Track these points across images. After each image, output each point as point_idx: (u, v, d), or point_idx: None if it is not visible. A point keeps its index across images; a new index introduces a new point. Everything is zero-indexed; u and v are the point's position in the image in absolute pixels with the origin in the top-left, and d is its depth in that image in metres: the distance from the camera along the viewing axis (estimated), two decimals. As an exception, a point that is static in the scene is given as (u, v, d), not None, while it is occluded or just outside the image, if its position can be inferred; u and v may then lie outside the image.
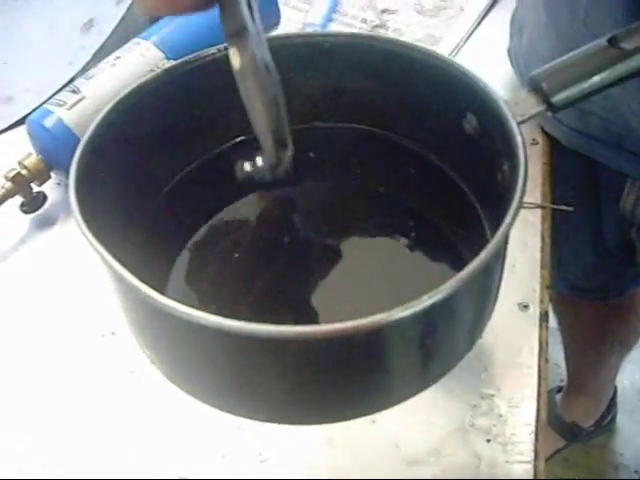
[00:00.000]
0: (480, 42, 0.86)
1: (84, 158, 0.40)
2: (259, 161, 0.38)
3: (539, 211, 0.70)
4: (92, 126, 0.41)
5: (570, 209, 0.73)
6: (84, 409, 0.60)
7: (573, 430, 1.42)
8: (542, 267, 0.66)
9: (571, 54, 0.38)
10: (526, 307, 0.63)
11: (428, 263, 0.45)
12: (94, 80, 0.71)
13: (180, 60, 0.43)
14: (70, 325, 0.66)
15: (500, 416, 0.58)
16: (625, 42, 0.36)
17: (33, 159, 0.70)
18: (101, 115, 0.41)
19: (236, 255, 0.44)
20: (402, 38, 0.84)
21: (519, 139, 0.38)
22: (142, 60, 0.72)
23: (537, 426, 0.57)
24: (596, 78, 0.37)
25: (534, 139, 0.76)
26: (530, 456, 0.56)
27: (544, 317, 0.63)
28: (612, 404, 1.47)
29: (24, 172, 0.70)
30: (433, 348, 0.36)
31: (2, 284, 0.69)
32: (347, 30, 0.86)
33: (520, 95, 0.38)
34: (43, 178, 0.72)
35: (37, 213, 0.73)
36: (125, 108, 0.42)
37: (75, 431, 0.59)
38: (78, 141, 0.67)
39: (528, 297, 0.64)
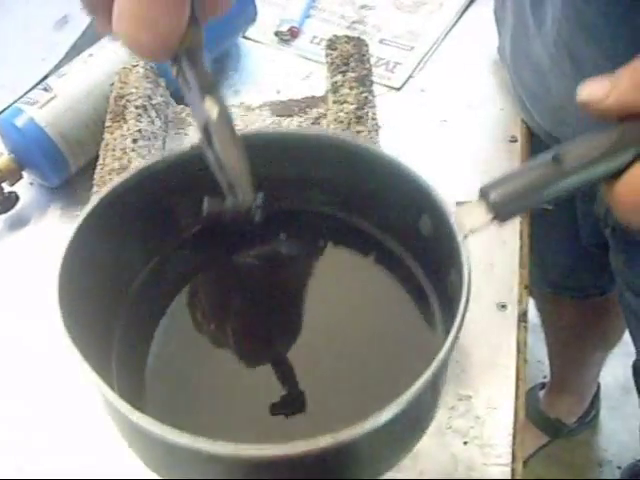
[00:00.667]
0: (460, 38, 0.85)
1: (68, 258, 0.42)
2: (228, 202, 0.40)
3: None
4: (75, 227, 0.43)
5: (549, 207, 0.72)
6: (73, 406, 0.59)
7: (556, 427, 1.42)
8: (521, 266, 0.66)
9: (519, 168, 0.41)
10: (504, 307, 0.62)
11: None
12: (66, 78, 0.70)
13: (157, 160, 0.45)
14: (42, 324, 0.65)
15: (478, 418, 0.57)
16: (568, 159, 0.38)
17: (4, 159, 0.69)
18: (85, 212, 0.43)
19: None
20: (381, 34, 0.84)
21: (464, 257, 0.40)
22: (115, 58, 0.71)
23: (515, 428, 0.57)
24: (540, 194, 0.40)
25: (513, 136, 0.75)
26: (508, 458, 0.55)
27: (522, 317, 0.62)
28: (595, 400, 1.47)
29: (-5, 171, 0.69)
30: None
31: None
32: (325, 26, 0.85)
33: (471, 205, 0.40)
34: (15, 178, 0.70)
35: (9, 213, 0.72)
36: (105, 205, 0.44)
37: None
38: (49, 140, 0.68)
39: (506, 297, 0.63)
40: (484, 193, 0.40)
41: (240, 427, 0.42)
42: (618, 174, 0.38)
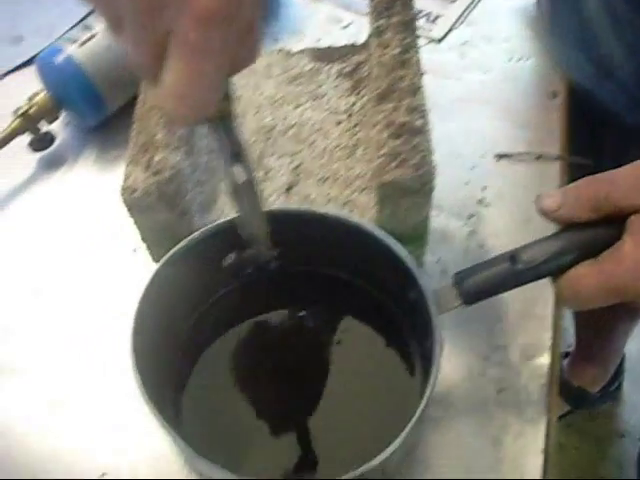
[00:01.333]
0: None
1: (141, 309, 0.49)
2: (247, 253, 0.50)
3: (558, 163, 0.68)
4: (146, 284, 0.50)
5: (588, 162, 0.72)
6: (108, 330, 0.60)
7: (579, 396, 1.42)
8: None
9: (484, 263, 0.49)
10: (542, 259, 0.61)
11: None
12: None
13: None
14: (77, 261, 0.65)
15: (512, 367, 0.57)
16: (523, 258, 0.47)
17: (42, 96, 0.69)
18: (156, 269, 0.51)
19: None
20: None
21: (437, 337, 0.46)
22: None
23: (550, 378, 0.56)
24: (500, 287, 0.49)
25: (554, 91, 0.74)
26: (542, 408, 0.55)
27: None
28: (619, 371, 1.46)
29: (33, 109, 0.69)
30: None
31: (10, 222, 0.68)
32: None
33: (446, 288, 0.48)
34: (52, 117, 0.70)
35: (45, 152, 0.72)
36: (170, 265, 0.51)
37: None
38: (87, 79, 0.67)
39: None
40: (456, 279, 0.48)
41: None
42: (562, 272, 0.47)
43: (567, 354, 1.51)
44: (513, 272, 0.48)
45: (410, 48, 0.60)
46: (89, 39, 0.68)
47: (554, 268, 0.48)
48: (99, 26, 0.69)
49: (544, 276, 0.48)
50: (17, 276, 0.65)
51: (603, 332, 1.35)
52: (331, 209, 0.56)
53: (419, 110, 0.55)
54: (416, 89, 0.57)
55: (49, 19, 0.82)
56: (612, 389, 1.46)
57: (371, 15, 0.63)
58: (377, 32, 0.61)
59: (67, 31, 0.73)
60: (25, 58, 0.79)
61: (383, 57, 0.59)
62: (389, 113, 0.55)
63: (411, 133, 0.54)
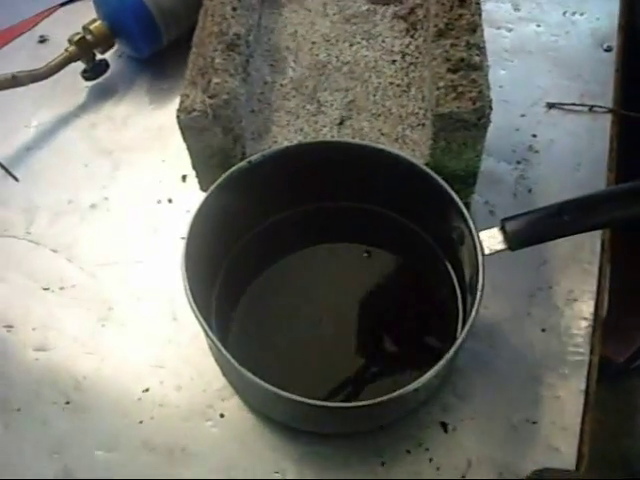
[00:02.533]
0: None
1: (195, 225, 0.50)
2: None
3: (609, 115, 0.68)
4: (200, 203, 0.51)
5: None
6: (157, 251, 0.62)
7: (602, 364, 1.41)
8: (609, 170, 0.65)
9: (530, 212, 0.50)
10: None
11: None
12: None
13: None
14: (126, 191, 0.66)
15: (557, 308, 0.57)
16: (570, 210, 0.48)
17: (98, 24, 0.70)
18: (208, 194, 0.52)
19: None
20: None
21: (481, 273, 0.47)
22: None
23: (595, 320, 0.57)
24: (545, 237, 0.50)
25: (609, 45, 0.73)
26: (586, 349, 0.55)
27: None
28: (647, 346, 1.46)
29: (88, 37, 0.69)
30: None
31: (61, 148, 0.69)
32: None
33: (493, 231, 0.49)
34: (107, 45, 0.71)
35: (97, 82, 0.73)
36: (222, 186, 0.53)
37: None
38: (145, 8, 0.68)
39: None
40: (504, 225, 0.49)
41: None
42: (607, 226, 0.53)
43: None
44: (559, 223, 0.49)
45: (469, -13, 0.60)
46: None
47: (599, 223, 0.51)
48: (157, -43, 0.69)
49: (589, 230, 0.50)
50: (68, 198, 0.66)
51: (633, 303, 1.34)
52: (383, 144, 0.57)
53: (478, 47, 0.56)
54: (475, 27, 0.57)
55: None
56: (637, 364, 1.45)
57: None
58: (437, -28, 0.61)
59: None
60: None
61: (442, -3, 0.59)
62: (447, 49, 0.55)
63: (469, 68, 0.54)
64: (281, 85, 0.63)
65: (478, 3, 0.59)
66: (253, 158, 0.53)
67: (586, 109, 0.68)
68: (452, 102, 0.52)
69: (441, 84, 0.53)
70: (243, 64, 0.59)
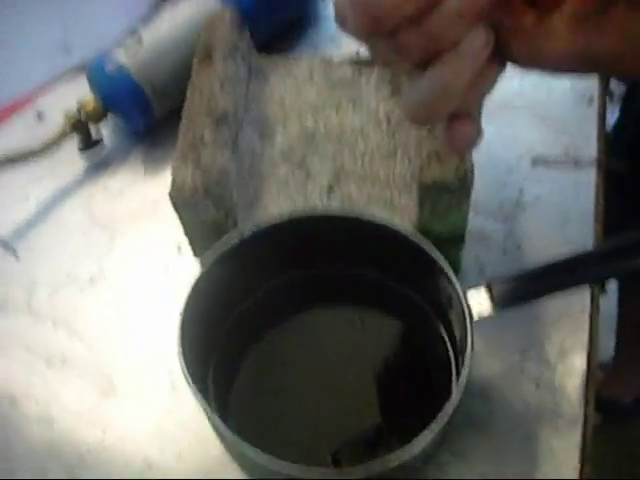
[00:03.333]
0: None
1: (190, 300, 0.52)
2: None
3: (594, 168, 0.70)
4: (193, 283, 0.53)
5: (624, 166, 0.73)
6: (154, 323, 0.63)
7: (611, 405, 1.41)
8: (596, 222, 0.66)
9: (516, 272, 0.52)
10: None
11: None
12: (154, 27, 0.72)
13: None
14: (124, 262, 0.67)
15: (549, 363, 0.58)
16: (554, 274, 0.51)
17: (92, 101, 0.72)
18: (203, 271, 0.54)
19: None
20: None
21: (469, 338, 0.48)
22: (201, 7, 0.73)
23: (588, 374, 0.57)
24: (531, 296, 0.52)
25: (590, 96, 0.75)
26: (580, 403, 0.56)
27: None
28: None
29: (83, 113, 0.71)
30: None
31: (59, 223, 0.71)
32: None
33: (480, 293, 0.50)
34: (100, 120, 0.73)
35: (93, 155, 0.75)
36: (216, 262, 0.54)
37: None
38: (136, 85, 0.70)
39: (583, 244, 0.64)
40: (490, 287, 0.50)
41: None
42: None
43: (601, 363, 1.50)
44: (546, 284, 0.51)
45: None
46: (138, 47, 0.70)
47: (585, 281, 0.52)
48: (147, 34, 0.71)
49: (575, 287, 0.51)
50: (67, 271, 0.67)
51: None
52: (370, 211, 0.58)
53: (459, 112, 0.57)
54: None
55: (98, 26, 0.85)
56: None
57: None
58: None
59: (116, 40, 0.75)
60: (73, 65, 0.82)
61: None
62: (430, 115, 0.57)
63: (451, 134, 0.56)
64: (270, 154, 0.64)
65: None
66: (245, 233, 0.54)
67: (571, 162, 0.70)
68: (435, 169, 0.54)
69: (423, 151, 0.55)
70: (232, 137, 0.61)
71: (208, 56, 0.65)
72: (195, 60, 0.65)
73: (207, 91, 0.62)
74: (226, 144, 0.59)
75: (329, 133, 0.65)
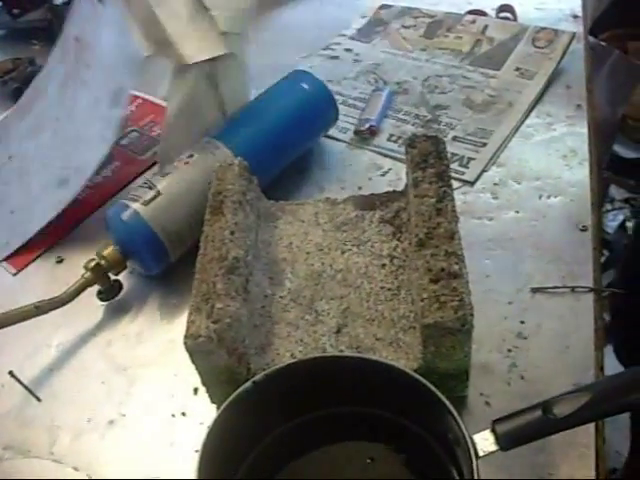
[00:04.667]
0: (528, 134, 0.90)
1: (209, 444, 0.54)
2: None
3: (591, 294, 0.72)
4: (211, 424, 0.55)
5: (621, 292, 0.75)
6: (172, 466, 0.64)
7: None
8: (596, 349, 0.68)
9: (519, 412, 0.54)
10: (580, 388, 0.64)
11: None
12: (169, 177, 0.77)
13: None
14: (142, 406, 0.70)
15: (559, 497, 0.59)
16: (555, 410, 0.52)
17: (110, 250, 0.76)
18: (218, 415, 0.56)
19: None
20: (454, 132, 0.89)
21: (475, 476, 0.49)
22: (213, 158, 0.78)
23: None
24: (535, 436, 0.54)
25: (584, 225, 0.78)
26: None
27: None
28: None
29: (102, 262, 0.75)
30: None
31: (80, 368, 0.74)
32: (402, 125, 0.91)
33: (485, 434, 0.53)
34: (119, 268, 0.77)
35: (112, 300, 0.78)
36: (230, 407, 0.56)
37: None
38: (153, 234, 0.74)
39: (582, 379, 0.65)
40: (494, 427, 0.52)
41: None
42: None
43: (614, 470, 1.49)
44: (548, 422, 0.52)
45: (445, 197, 0.65)
46: (153, 198, 0.75)
47: (586, 419, 0.54)
48: (161, 185, 0.76)
49: (577, 425, 0.53)
50: (88, 416, 0.69)
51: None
52: (377, 353, 0.61)
53: (456, 255, 0.61)
54: (452, 235, 0.62)
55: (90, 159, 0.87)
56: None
57: (408, 167, 0.69)
58: (414, 183, 0.67)
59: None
60: (69, 200, 0.86)
61: (420, 207, 0.65)
62: (428, 259, 0.60)
63: (449, 277, 0.59)
64: (280, 297, 0.68)
65: (454, 210, 0.65)
66: (257, 378, 0.57)
67: (569, 290, 0.73)
68: (436, 312, 0.57)
69: (424, 295, 0.58)
70: (243, 284, 0.64)
71: (219, 206, 0.69)
72: (207, 210, 0.69)
73: (218, 241, 0.65)
74: (237, 292, 0.62)
75: (335, 274, 0.69)
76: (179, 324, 0.61)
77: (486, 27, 1.05)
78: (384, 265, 0.69)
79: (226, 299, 0.61)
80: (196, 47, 0.80)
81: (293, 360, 0.58)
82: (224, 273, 0.63)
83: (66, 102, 0.92)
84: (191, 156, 0.78)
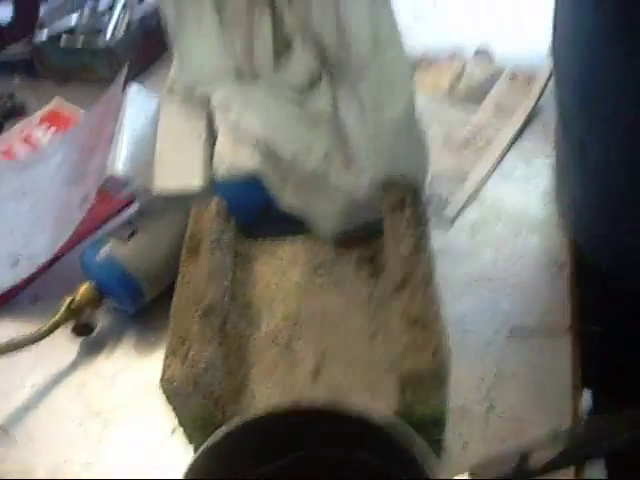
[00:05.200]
0: (508, 172, 0.90)
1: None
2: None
3: (568, 335, 0.72)
4: (187, 469, 0.54)
5: (599, 330, 0.76)
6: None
7: None
8: (574, 388, 0.68)
9: (496, 458, 0.55)
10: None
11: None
12: (146, 217, 0.77)
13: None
14: (118, 448, 0.69)
15: None
16: (532, 458, 0.53)
17: (86, 287, 0.75)
18: (193, 460, 0.55)
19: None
20: (432, 171, 0.89)
21: None
22: (190, 197, 0.78)
23: None
24: None
25: (561, 263, 0.79)
26: None
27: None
28: None
29: (77, 301, 0.75)
30: None
31: (55, 409, 0.73)
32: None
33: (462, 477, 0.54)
34: (94, 306, 0.76)
35: (87, 337, 0.78)
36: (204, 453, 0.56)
37: None
38: (128, 274, 0.74)
39: (560, 419, 0.65)
40: (471, 474, 0.53)
41: None
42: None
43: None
44: (524, 471, 0.53)
45: (421, 239, 0.65)
46: (130, 237, 0.75)
47: (564, 465, 0.54)
48: (139, 224, 0.76)
49: (553, 470, 0.53)
50: (64, 457, 0.69)
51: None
52: (353, 399, 0.60)
53: (432, 299, 0.60)
54: (428, 279, 0.62)
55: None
56: None
57: (385, 210, 0.69)
58: (391, 226, 0.67)
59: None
60: (23, 278, 0.84)
61: (397, 250, 0.65)
62: (405, 303, 0.60)
63: (426, 322, 0.59)
64: (258, 338, 0.67)
65: (431, 253, 0.65)
66: (233, 424, 0.56)
67: (546, 331, 0.73)
68: (412, 358, 0.57)
69: (401, 340, 0.58)
70: (220, 326, 0.64)
71: (196, 248, 0.69)
72: (183, 252, 0.69)
73: (194, 284, 0.65)
74: (213, 335, 0.62)
75: (313, 315, 0.68)
76: (156, 362, 0.60)
77: (464, 67, 1.06)
78: (362, 306, 0.68)
79: (202, 343, 0.61)
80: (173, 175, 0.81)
81: (268, 408, 0.58)
82: (200, 316, 0.63)
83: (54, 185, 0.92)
84: (170, 194, 0.78)
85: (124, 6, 1.22)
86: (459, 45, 1.11)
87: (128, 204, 0.92)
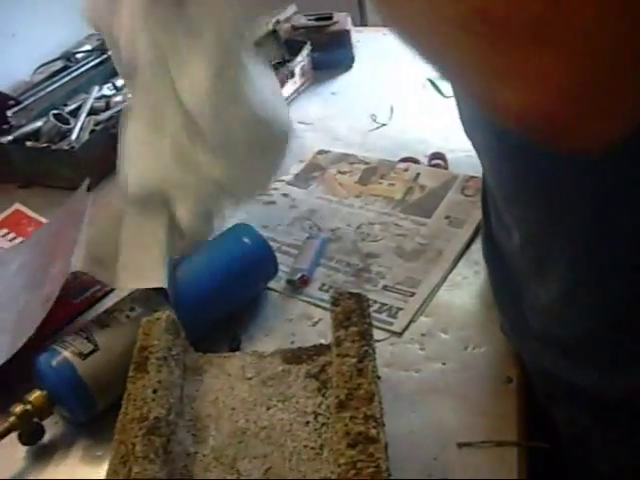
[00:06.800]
0: (455, 284, 0.92)
1: None
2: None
3: (515, 449, 0.73)
4: None
5: (546, 446, 0.76)
6: None
7: None
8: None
9: None
10: None
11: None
12: (108, 331, 0.78)
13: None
14: None
15: None
16: None
17: (38, 395, 0.75)
18: None
19: None
20: (384, 281, 0.91)
21: None
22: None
23: None
24: None
25: (508, 377, 0.80)
26: None
27: None
28: None
29: (28, 407, 0.75)
30: None
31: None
32: (333, 274, 0.93)
33: None
34: (46, 414, 0.76)
35: (35, 446, 0.77)
36: None
37: None
38: (84, 386, 0.74)
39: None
40: None
41: None
42: None
43: None
44: None
45: (366, 357, 0.67)
46: (91, 352, 0.76)
47: None
48: (100, 339, 0.77)
49: None
50: None
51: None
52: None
53: (374, 418, 0.61)
54: (371, 397, 0.63)
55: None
56: None
57: (332, 325, 0.71)
58: (337, 342, 0.69)
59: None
60: None
61: (342, 366, 0.66)
62: (347, 422, 0.61)
63: (367, 442, 0.59)
64: (203, 456, 0.67)
65: (375, 370, 0.66)
66: None
67: (494, 445, 0.73)
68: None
69: (342, 461, 0.58)
70: (164, 444, 0.64)
71: (143, 363, 0.69)
72: (131, 367, 0.69)
73: (140, 400, 0.66)
74: (157, 454, 0.62)
75: (259, 432, 0.69)
76: (103, 474, 0.61)
77: (418, 175, 1.09)
78: (308, 422, 0.69)
79: (144, 462, 0.61)
80: (136, 275, 0.84)
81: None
82: (144, 434, 0.63)
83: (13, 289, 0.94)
84: (133, 309, 0.80)
85: (89, 112, 1.26)
86: (414, 153, 1.15)
87: (85, 309, 0.93)
